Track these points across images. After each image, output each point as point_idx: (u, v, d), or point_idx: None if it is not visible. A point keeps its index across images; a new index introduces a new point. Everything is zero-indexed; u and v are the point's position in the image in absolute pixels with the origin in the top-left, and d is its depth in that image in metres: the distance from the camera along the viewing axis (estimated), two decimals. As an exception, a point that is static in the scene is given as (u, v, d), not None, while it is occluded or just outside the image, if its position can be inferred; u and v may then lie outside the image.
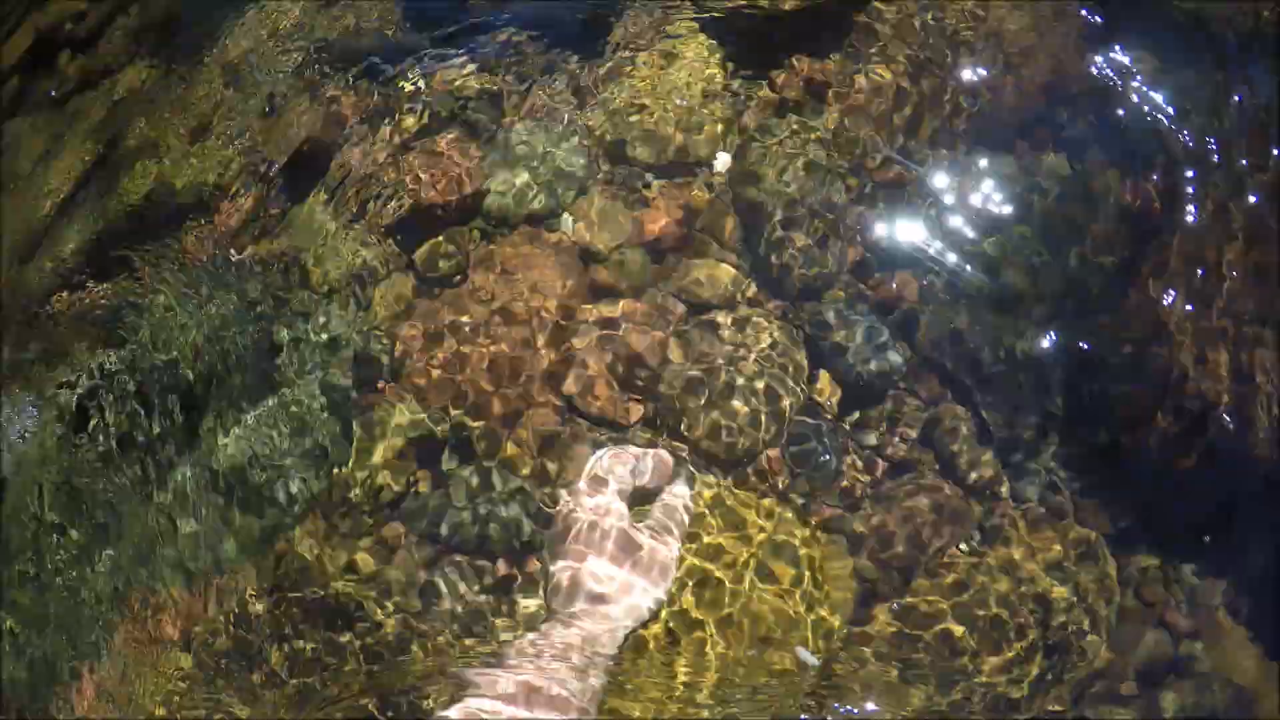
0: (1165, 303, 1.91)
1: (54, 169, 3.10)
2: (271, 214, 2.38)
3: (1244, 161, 2.03)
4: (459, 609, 1.81)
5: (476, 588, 1.83)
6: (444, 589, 1.81)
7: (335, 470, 1.98)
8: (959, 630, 1.73)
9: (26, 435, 2.55)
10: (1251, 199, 1.98)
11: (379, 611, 1.82)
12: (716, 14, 2.38)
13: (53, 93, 3.48)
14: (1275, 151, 2.03)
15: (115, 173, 2.80)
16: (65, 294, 2.66)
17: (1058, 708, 1.70)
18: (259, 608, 1.88)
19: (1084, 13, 2.25)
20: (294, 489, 1.98)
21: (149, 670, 1.99)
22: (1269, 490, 1.76)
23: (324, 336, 2.14)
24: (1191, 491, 1.82)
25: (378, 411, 2.01)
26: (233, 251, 2.35)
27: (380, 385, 2.04)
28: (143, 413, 2.22)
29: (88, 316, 2.56)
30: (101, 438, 2.29)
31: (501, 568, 1.84)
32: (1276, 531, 1.74)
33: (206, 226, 2.44)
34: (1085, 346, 1.94)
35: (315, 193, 2.34)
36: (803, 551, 1.76)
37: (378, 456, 1.95)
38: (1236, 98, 2.11)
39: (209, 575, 2.01)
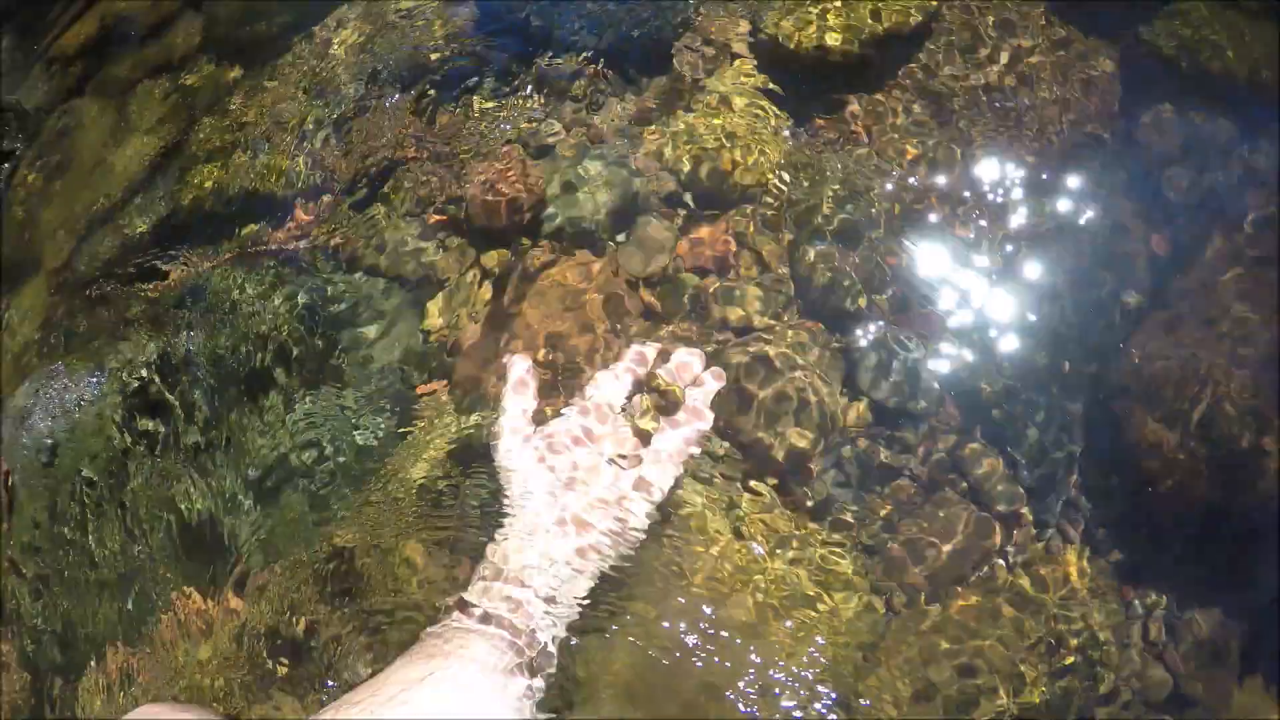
0: (1187, 346, 1.98)
1: (125, 151, 3.22)
2: (340, 215, 2.49)
3: (1258, 211, 2.12)
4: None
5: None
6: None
7: (384, 468, 2.06)
8: (973, 654, 1.80)
9: (84, 403, 2.65)
10: (1265, 247, 2.06)
11: (419, 615, 1.85)
12: (771, 53, 2.49)
13: (121, 76, 3.62)
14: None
15: (187, 164, 2.93)
16: (132, 273, 2.78)
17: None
18: (301, 602, 1.96)
19: (1110, 66, 2.35)
20: (343, 487, 2.07)
21: (168, 659, 2.07)
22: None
23: (382, 337, 2.24)
24: (1208, 531, 1.87)
25: (429, 413, 2.09)
26: (300, 246, 2.46)
27: (434, 387, 2.14)
28: (201, 399, 2.32)
29: (152, 300, 2.67)
30: (159, 419, 2.38)
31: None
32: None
33: (275, 224, 2.56)
34: (1111, 384, 2.01)
35: (383, 199, 2.45)
36: (827, 566, 1.85)
37: (428, 457, 2.03)
38: (1249, 149, 2.19)
39: (248, 569, 2.10)
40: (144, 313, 2.64)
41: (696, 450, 1.74)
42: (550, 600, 1.37)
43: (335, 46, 2.91)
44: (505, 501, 1.61)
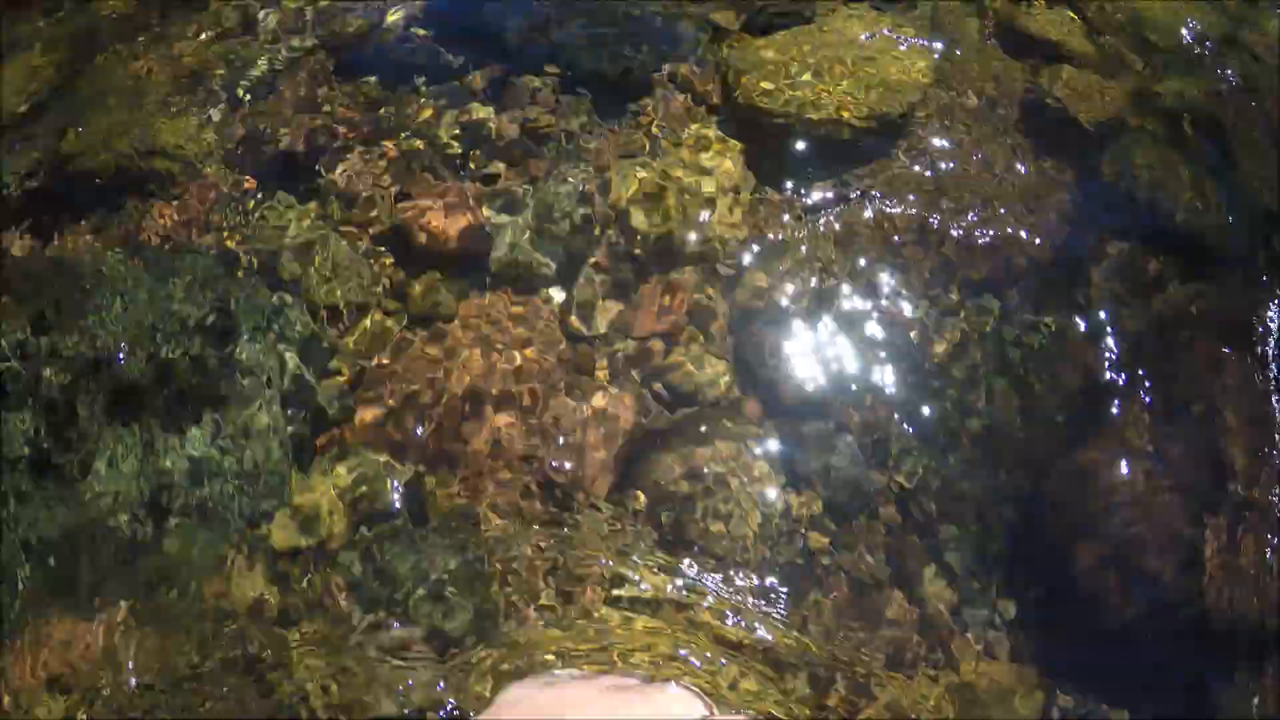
0: (1122, 466, 2.03)
1: (17, 67, 2.76)
2: (245, 208, 2.21)
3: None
4: (377, 668, 1.75)
5: (391, 649, 1.76)
6: (368, 648, 1.75)
7: (272, 502, 1.86)
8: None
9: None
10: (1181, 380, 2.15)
11: (298, 661, 1.72)
12: (750, 116, 2.39)
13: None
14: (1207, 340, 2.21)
15: (74, 110, 2.54)
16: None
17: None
18: (165, 644, 1.75)
19: (1072, 195, 2.42)
20: (226, 515, 1.85)
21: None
22: (1200, 642, 1.88)
23: (285, 356, 2.00)
24: (1130, 641, 1.92)
25: (330, 449, 1.90)
26: (194, 237, 2.17)
27: (338, 422, 1.94)
28: (69, 403, 2.02)
29: (13, 267, 2.30)
30: (21, 420, 2.06)
31: (419, 633, 1.77)
32: (1201, 684, 1.85)
33: (169, 204, 2.24)
34: (1045, 495, 2.03)
35: (298, 198, 2.20)
36: (765, 653, 1.80)
37: (320, 496, 1.85)
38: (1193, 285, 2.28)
39: (116, 595, 1.83)
40: (6, 283, 2.27)
41: None
42: None
43: (265, 12, 2.57)
44: None
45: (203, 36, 2.59)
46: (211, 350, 2.02)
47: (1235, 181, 2.58)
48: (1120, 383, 2.16)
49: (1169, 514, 1.98)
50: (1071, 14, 2.90)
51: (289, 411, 1.95)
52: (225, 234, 2.17)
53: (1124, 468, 2.03)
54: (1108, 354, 2.20)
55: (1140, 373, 2.17)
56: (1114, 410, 2.11)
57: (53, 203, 2.37)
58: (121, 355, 2.00)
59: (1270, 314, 2.29)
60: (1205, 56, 2.94)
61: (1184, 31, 2.97)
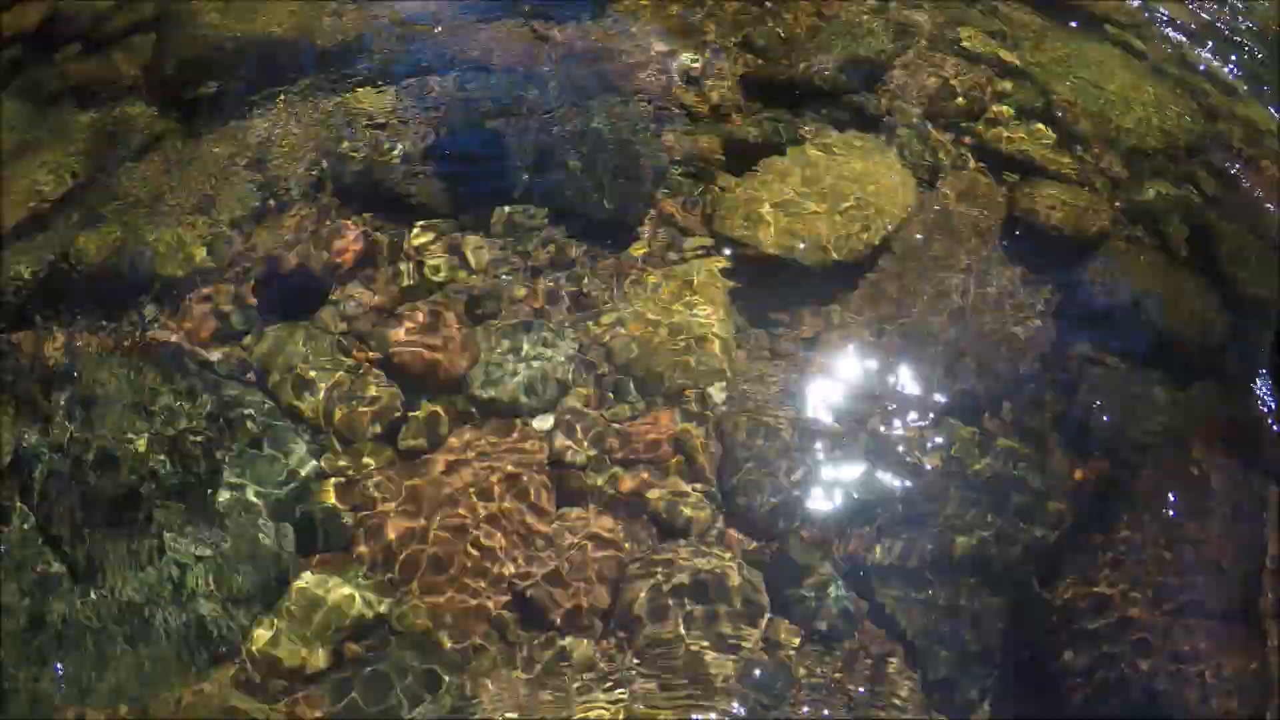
0: (1110, 582, 2.04)
1: (29, 166, 2.88)
2: (245, 324, 2.31)
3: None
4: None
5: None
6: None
7: (255, 623, 1.88)
8: None
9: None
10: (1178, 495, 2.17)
11: None
12: (737, 254, 2.51)
13: (50, 82, 3.29)
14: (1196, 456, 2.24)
15: (92, 212, 2.65)
16: (1, 326, 2.44)
17: None
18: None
19: (1059, 309, 2.50)
20: (211, 632, 1.87)
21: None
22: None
23: (278, 476, 2.06)
24: None
25: (316, 571, 1.94)
26: (197, 350, 2.24)
27: (325, 541, 1.98)
28: (66, 505, 2.03)
29: (17, 368, 2.34)
30: (18, 518, 2.06)
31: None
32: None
33: (172, 315, 2.33)
34: (1030, 613, 2.05)
35: (297, 319, 2.29)
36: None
37: (305, 620, 1.87)
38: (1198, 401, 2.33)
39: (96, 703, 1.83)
40: (4, 382, 2.31)
41: None
42: None
43: (280, 132, 2.75)
44: None
45: (217, 151, 2.73)
46: (203, 462, 2.07)
47: (1224, 280, 2.62)
48: (1111, 493, 2.20)
49: (1164, 627, 1.98)
50: (1043, 127, 3.00)
51: (278, 526, 2.00)
52: (224, 349, 2.26)
53: (1113, 584, 2.05)
54: (1095, 467, 2.24)
55: (1133, 485, 2.19)
56: (1103, 528, 2.13)
57: (60, 303, 2.45)
58: (116, 459, 2.06)
59: (1265, 419, 2.33)
60: (1183, 156, 2.98)
61: (1160, 134, 3.04)
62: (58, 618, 1.88)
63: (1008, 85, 3.14)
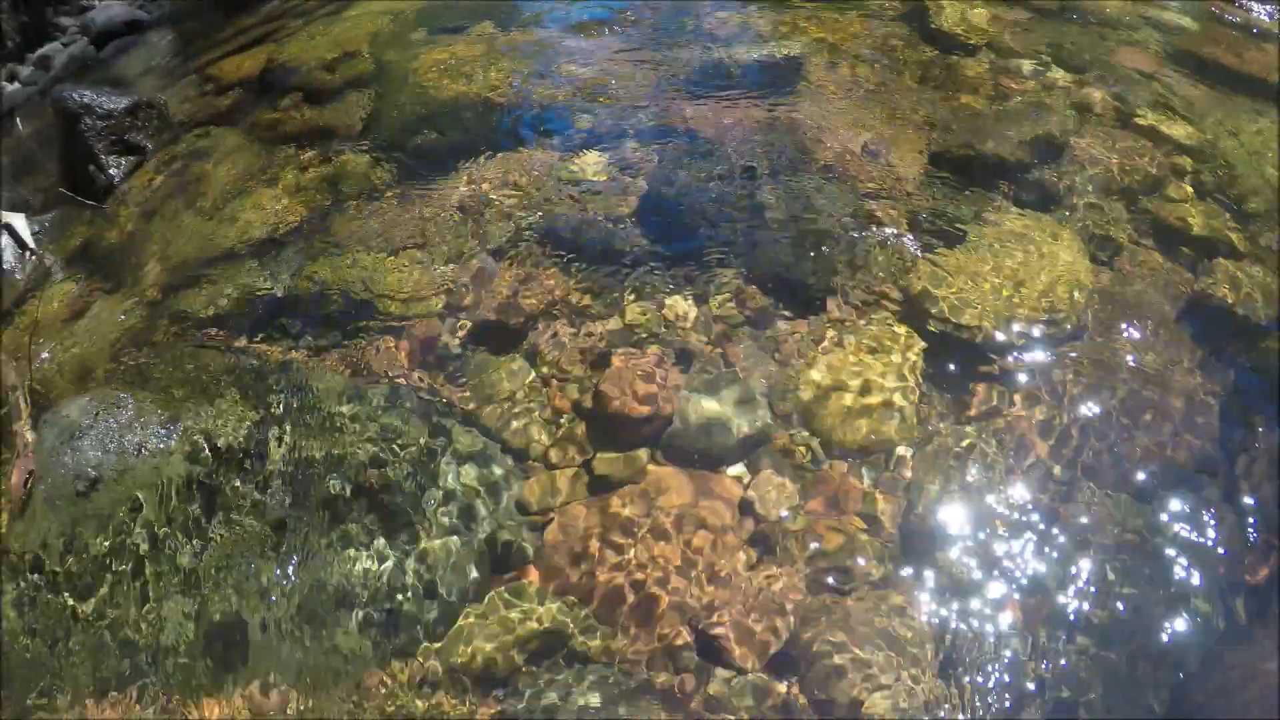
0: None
1: (257, 203, 3.25)
2: (457, 356, 2.50)
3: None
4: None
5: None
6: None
7: (445, 623, 2.01)
8: None
9: (145, 451, 2.56)
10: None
11: None
12: (922, 324, 2.56)
13: (272, 125, 3.69)
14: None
15: (319, 247, 2.95)
16: (235, 333, 2.74)
17: None
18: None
19: (1233, 390, 2.43)
20: (401, 628, 2.00)
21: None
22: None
23: (479, 496, 2.20)
24: None
25: (504, 584, 2.06)
26: (413, 380, 2.43)
27: (516, 562, 2.10)
28: (275, 500, 2.24)
29: (249, 369, 2.62)
30: (221, 503, 2.26)
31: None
32: None
33: (391, 341, 2.55)
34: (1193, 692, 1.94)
35: (505, 354, 2.47)
36: None
37: (493, 629, 1.98)
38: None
39: (265, 682, 2.00)
40: (234, 380, 2.59)
41: None
42: None
43: (491, 186, 2.97)
44: None
45: (432, 199, 3.01)
46: (413, 480, 2.24)
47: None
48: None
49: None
50: (1217, 205, 2.93)
51: (474, 544, 2.13)
52: (437, 375, 2.46)
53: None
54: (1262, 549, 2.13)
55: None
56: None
57: (289, 320, 2.73)
58: (339, 463, 2.26)
59: None
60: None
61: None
62: (269, 596, 2.06)
63: (1186, 162, 3.09)
